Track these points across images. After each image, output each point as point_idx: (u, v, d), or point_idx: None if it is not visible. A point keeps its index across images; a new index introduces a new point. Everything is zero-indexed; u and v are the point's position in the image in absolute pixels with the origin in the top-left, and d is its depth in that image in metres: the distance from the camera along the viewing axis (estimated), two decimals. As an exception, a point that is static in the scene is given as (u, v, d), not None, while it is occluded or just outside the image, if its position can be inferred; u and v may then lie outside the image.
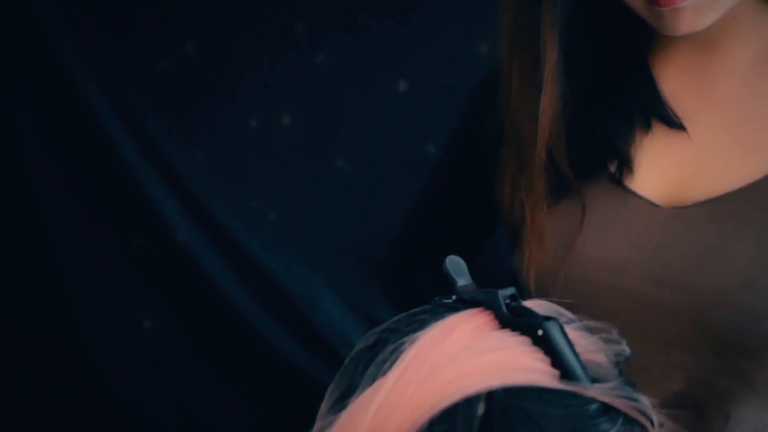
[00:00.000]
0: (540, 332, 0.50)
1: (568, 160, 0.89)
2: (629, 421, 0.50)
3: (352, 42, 1.83)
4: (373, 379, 0.51)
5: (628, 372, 0.54)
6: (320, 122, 1.87)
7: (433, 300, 0.58)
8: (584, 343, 0.53)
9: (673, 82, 0.90)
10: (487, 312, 0.53)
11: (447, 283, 0.59)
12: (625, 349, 0.54)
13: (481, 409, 0.48)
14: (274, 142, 1.89)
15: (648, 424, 0.50)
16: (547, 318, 0.51)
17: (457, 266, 0.59)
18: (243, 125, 1.88)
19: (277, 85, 1.86)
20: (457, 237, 1.07)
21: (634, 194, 0.88)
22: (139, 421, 1.95)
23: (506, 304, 0.53)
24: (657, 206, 0.87)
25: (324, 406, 0.54)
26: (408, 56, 1.82)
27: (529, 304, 0.54)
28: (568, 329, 0.52)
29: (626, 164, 0.88)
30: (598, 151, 0.89)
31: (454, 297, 0.57)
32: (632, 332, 0.86)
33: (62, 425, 1.98)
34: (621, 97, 0.90)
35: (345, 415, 0.50)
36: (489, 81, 0.97)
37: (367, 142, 1.87)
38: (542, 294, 0.87)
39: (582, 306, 0.84)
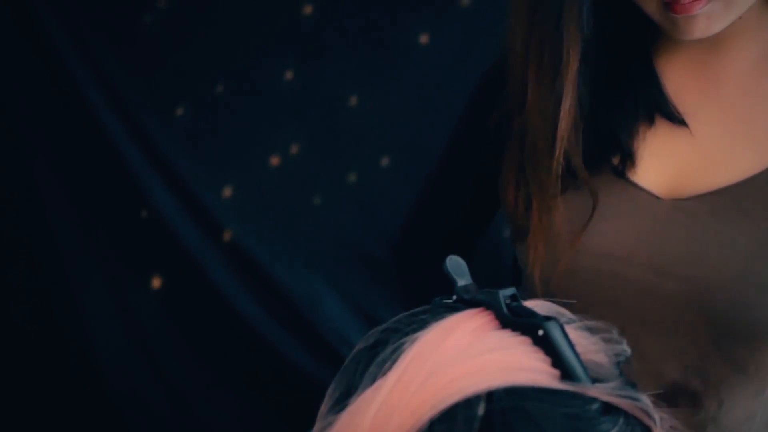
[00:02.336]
0: (540, 332, 0.50)
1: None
2: (630, 420, 0.50)
3: (353, 43, 1.83)
4: (374, 380, 0.51)
5: (627, 367, 0.54)
6: (320, 123, 1.87)
7: (433, 300, 0.58)
8: (585, 343, 0.52)
9: (677, 79, 0.92)
10: (488, 312, 0.53)
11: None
12: (625, 349, 0.54)
13: (481, 410, 0.48)
14: (274, 142, 1.89)
15: (651, 423, 0.50)
16: (548, 318, 0.51)
17: (457, 266, 0.58)
18: (244, 125, 1.88)
19: (278, 86, 1.86)
20: (461, 221, 1.10)
21: (635, 186, 0.90)
22: (139, 421, 1.95)
23: (506, 304, 0.53)
24: (658, 198, 0.89)
25: (324, 407, 0.54)
26: (408, 57, 1.82)
27: (529, 304, 0.54)
28: (568, 329, 0.51)
29: (629, 157, 0.90)
30: (601, 145, 0.91)
31: (454, 297, 0.57)
32: (633, 320, 0.88)
33: (62, 424, 1.98)
34: (625, 93, 0.91)
35: (345, 416, 0.50)
36: (497, 70, 0.98)
37: (366, 142, 1.87)
38: (546, 284, 0.90)
39: (585, 295, 0.85)
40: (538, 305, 0.55)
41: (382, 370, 0.50)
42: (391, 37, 1.82)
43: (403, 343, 0.51)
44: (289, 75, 1.86)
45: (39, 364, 1.97)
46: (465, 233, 1.10)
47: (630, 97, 0.91)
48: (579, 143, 0.89)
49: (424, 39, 1.81)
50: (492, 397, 0.48)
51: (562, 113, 0.88)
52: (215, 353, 1.95)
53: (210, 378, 1.95)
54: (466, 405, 0.48)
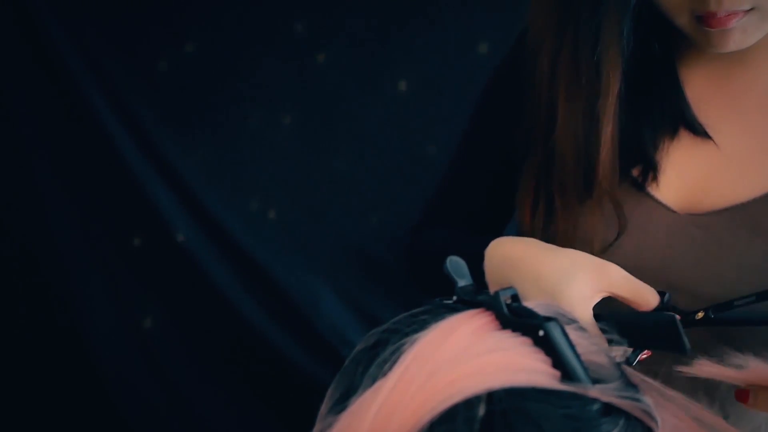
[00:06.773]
0: (541, 333, 0.50)
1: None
2: (631, 422, 0.50)
3: (352, 42, 1.83)
4: (374, 380, 0.50)
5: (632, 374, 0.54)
6: (320, 122, 1.87)
7: (433, 300, 0.57)
8: (585, 343, 0.52)
9: (699, 90, 0.91)
10: (488, 313, 0.53)
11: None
12: (626, 349, 0.54)
13: (481, 410, 0.48)
14: (274, 142, 1.89)
15: (653, 424, 0.50)
16: (548, 318, 0.51)
17: (457, 267, 0.58)
18: (243, 125, 1.88)
19: (277, 85, 1.86)
20: (486, 204, 1.05)
21: (652, 199, 0.89)
22: (139, 421, 1.95)
23: (507, 305, 0.53)
24: (673, 212, 0.88)
25: (324, 407, 0.54)
26: (408, 57, 1.82)
27: (530, 304, 0.54)
28: (569, 330, 0.51)
29: (652, 170, 0.89)
30: (624, 156, 0.89)
31: (454, 297, 0.57)
32: None
33: (62, 424, 1.98)
34: (651, 104, 0.90)
35: (345, 417, 0.50)
36: (514, 57, 0.95)
37: (366, 142, 1.87)
38: None
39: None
40: (538, 306, 0.55)
41: (382, 371, 0.50)
42: (390, 36, 1.82)
43: (403, 344, 0.51)
44: (289, 74, 1.86)
45: (39, 364, 1.97)
46: (491, 217, 1.05)
47: (656, 109, 0.89)
48: (616, 169, 0.87)
49: (424, 39, 1.81)
50: (492, 398, 0.48)
51: (603, 140, 0.85)
52: (215, 353, 1.95)
53: (209, 378, 1.95)
54: (467, 406, 0.48)
